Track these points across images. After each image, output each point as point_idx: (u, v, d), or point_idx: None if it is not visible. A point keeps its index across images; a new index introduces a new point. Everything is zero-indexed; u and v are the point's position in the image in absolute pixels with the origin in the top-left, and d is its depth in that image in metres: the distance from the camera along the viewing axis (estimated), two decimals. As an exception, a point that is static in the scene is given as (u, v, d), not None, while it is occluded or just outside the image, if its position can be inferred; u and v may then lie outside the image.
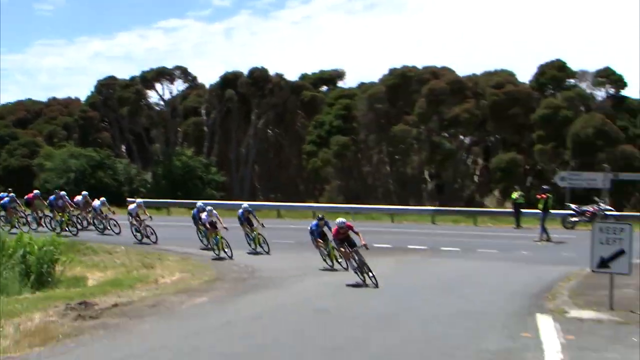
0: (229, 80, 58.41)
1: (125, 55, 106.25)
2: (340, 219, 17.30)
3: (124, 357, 8.96)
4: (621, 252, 12.41)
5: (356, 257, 16.57)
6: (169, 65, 63.47)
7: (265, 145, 60.70)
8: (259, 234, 22.89)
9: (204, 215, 23.14)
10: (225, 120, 58.73)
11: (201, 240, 24.02)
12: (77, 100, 65.57)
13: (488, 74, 54.68)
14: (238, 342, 9.97)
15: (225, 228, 22.28)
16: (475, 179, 54.18)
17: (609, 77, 52.29)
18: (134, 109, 57.86)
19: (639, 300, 13.41)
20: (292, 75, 65.33)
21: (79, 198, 29.98)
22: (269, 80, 57.88)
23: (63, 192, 30.00)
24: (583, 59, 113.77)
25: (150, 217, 26.50)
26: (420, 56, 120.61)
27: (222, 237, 22.03)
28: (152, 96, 60.28)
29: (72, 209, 29.15)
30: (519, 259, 21.63)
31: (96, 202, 29.17)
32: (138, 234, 25.88)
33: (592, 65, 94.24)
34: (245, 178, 59.11)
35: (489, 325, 11.29)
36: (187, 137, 59.74)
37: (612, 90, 52.55)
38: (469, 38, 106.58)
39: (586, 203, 33.60)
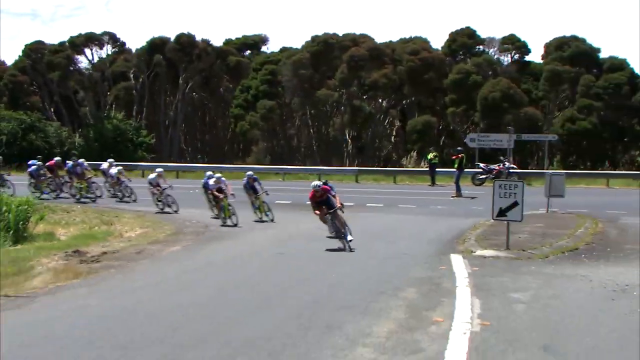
0: (157, 45, 59.90)
1: (31, 11, 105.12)
2: (315, 182, 17.44)
3: (142, 286, 11.62)
4: (515, 204, 15.65)
5: (333, 220, 16.43)
6: (83, 24, 64.36)
7: (192, 108, 62.64)
8: (262, 202, 22.82)
9: (211, 182, 23.11)
10: (154, 85, 60.34)
11: (211, 210, 23.68)
12: (3, 63, 65.86)
13: (404, 41, 57.95)
14: (223, 277, 12.74)
15: (232, 195, 22.34)
16: (393, 139, 57.66)
17: (514, 44, 56.42)
18: (64, 74, 58.80)
19: (529, 242, 16.80)
20: (216, 39, 67.19)
21: (104, 165, 31.16)
22: (195, 45, 59.66)
23: (82, 160, 30.64)
24: (491, 27, 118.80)
25: (171, 186, 26.09)
26: (340, 24, 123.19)
27: (228, 205, 21.93)
28: (82, 61, 61.36)
29: (90, 176, 29.79)
30: (435, 213, 24.89)
31: (112, 170, 29.89)
32: (159, 203, 25.70)
33: (499, 32, 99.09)
34: (174, 140, 61.06)
35: (414, 262, 14.36)
36: (117, 101, 61.06)
37: (517, 56, 56.76)
38: (386, 6, 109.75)
39: (493, 162, 37.38)
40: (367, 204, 27.57)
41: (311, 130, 56.68)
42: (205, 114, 64.49)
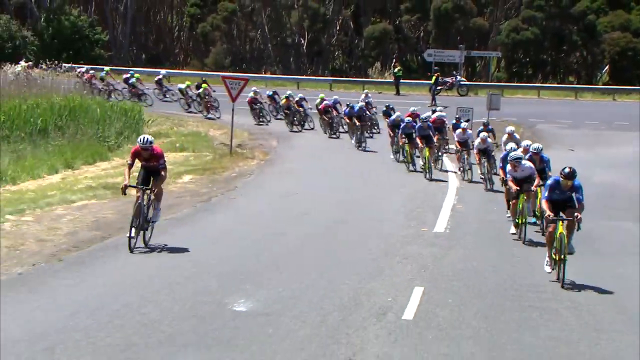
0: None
1: None
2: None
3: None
4: (468, 120, 39.42)
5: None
6: None
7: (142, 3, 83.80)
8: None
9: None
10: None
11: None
12: None
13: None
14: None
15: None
16: (348, 46, 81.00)
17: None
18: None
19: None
20: None
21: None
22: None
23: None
24: None
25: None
26: None
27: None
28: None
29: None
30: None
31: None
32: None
33: None
34: (125, 38, 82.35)
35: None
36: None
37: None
38: None
39: (446, 74, 61.44)
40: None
41: (268, 33, 79.18)
42: (150, 10, 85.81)
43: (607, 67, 75.62)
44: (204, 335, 11.84)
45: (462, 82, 60.11)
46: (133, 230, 17.31)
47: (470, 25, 73.74)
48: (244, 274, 15.70)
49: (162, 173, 17.82)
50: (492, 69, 70.42)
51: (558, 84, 71.30)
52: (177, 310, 13.04)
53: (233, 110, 35.09)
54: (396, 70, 60.88)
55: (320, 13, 77.69)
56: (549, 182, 17.13)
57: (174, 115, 49.11)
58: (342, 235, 20.21)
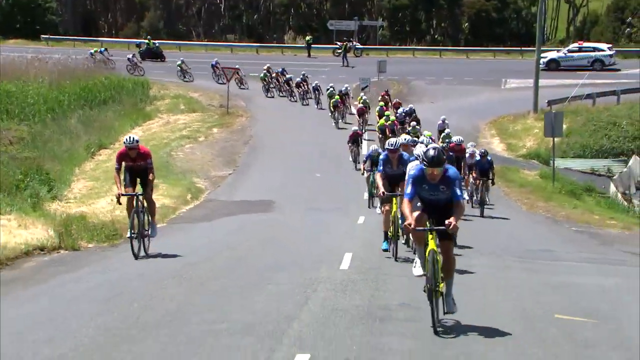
0: None
1: None
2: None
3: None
4: (367, 85, 65.14)
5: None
6: None
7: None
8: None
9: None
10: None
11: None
12: None
13: None
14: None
15: None
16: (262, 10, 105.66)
17: None
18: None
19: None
20: None
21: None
22: None
23: None
24: None
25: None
26: None
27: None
28: None
29: None
30: (322, 73, 73.08)
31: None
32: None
33: None
34: (67, 4, 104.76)
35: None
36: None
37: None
38: None
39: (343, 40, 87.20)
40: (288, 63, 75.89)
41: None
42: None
43: (467, 25, 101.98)
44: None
45: (357, 47, 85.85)
46: (135, 242, 18.71)
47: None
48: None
49: (150, 174, 18.61)
50: (378, 32, 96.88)
51: (428, 45, 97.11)
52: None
53: (228, 86, 59.48)
54: (307, 38, 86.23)
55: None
56: (411, 172, 12.84)
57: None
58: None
